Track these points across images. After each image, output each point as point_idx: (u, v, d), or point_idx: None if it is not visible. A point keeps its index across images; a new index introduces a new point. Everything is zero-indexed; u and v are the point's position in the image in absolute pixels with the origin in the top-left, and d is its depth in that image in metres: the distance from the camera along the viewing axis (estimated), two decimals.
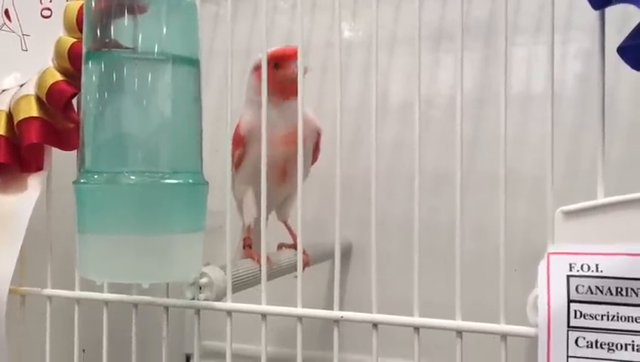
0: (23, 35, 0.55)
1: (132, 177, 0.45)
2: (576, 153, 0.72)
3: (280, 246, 0.67)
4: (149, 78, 0.45)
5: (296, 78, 0.50)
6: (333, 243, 0.75)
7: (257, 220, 0.63)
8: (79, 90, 0.51)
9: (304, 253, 0.66)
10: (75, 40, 0.51)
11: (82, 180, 0.46)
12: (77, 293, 0.55)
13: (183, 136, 0.47)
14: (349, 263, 0.81)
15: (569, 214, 0.42)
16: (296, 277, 0.65)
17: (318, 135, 0.63)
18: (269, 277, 0.53)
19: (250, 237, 0.62)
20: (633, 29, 0.39)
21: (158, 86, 0.45)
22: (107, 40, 0.45)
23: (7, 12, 0.55)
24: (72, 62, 0.51)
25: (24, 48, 0.55)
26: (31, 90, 0.53)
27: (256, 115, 0.55)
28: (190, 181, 0.46)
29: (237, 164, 0.59)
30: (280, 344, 0.74)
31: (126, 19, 0.45)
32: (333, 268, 0.81)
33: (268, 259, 0.58)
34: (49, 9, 0.54)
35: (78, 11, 0.51)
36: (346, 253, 0.80)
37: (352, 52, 0.83)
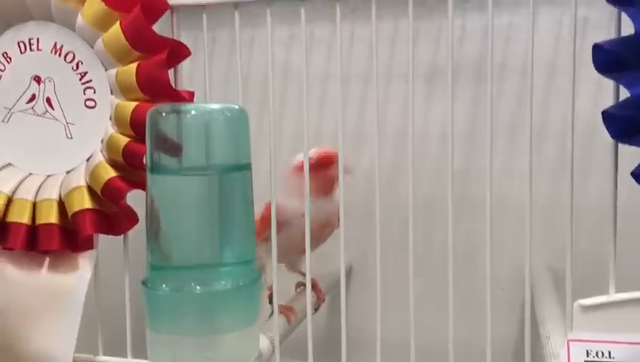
0: (67, 123, 0.57)
1: (197, 287, 0.49)
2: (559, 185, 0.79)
3: (299, 285, 0.73)
4: (212, 192, 0.49)
5: (336, 180, 0.58)
6: (336, 269, 0.82)
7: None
8: (134, 186, 0.55)
9: (320, 290, 0.73)
10: (128, 139, 0.54)
11: (150, 285, 0.50)
12: (130, 361, 0.60)
13: (241, 242, 0.51)
14: (349, 283, 0.88)
15: (586, 308, 0.49)
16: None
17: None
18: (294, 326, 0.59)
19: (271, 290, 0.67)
20: (623, 100, 0.45)
21: (221, 199, 0.49)
22: (170, 156, 0.49)
23: (49, 100, 0.57)
24: (127, 161, 0.54)
25: (69, 136, 0.57)
26: (82, 181, 0.56)
27: (297, 207, 0.61)
28: (247, 282, 0.51)
29: (266, 238, 0.62)
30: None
31: (187, 140, 0.49)
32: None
33: (292, 310, 0.64)
34: (93, 100, 0.56)
35: (133, 112, 0.53)
36: (347, 275, 0.86)
37: (349, 84, 0.87)
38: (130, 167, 0.54)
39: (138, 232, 0.57)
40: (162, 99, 0.54)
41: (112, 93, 0.56)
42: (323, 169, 0.62)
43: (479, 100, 0.82)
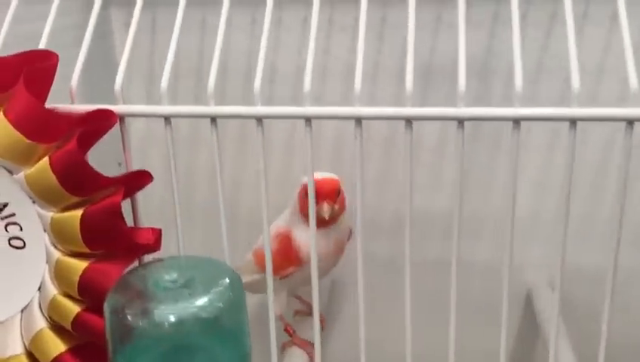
0: None
1: None
2: None
3: (297, 313, 0.65)
4: None
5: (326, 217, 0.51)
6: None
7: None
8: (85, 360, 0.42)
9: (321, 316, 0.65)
10: (79, 309, 0.40)
11: None
12: None
13: None
14: (333, 298, 0.79)
15: None
16: None
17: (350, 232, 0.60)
18: None
19: (288, 323, 0.60)
20: None
21: None
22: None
23: None
24: (79, 333, 0.41)
25: None
26: (18, 346, 0.43)
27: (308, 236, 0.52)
28: None
29: (285, 276, 0.56)
30: None
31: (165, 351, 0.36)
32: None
33: (309, 344, 0.58)
34: (21, 239, 0.42)
35: (82, 279, 0.39)
36: (329, 290, 0.77)
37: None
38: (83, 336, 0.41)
39: None
40: (117, 252, 0.40)
41: (45, 231, 0.41)
42: (327, 197, 0.52)
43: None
